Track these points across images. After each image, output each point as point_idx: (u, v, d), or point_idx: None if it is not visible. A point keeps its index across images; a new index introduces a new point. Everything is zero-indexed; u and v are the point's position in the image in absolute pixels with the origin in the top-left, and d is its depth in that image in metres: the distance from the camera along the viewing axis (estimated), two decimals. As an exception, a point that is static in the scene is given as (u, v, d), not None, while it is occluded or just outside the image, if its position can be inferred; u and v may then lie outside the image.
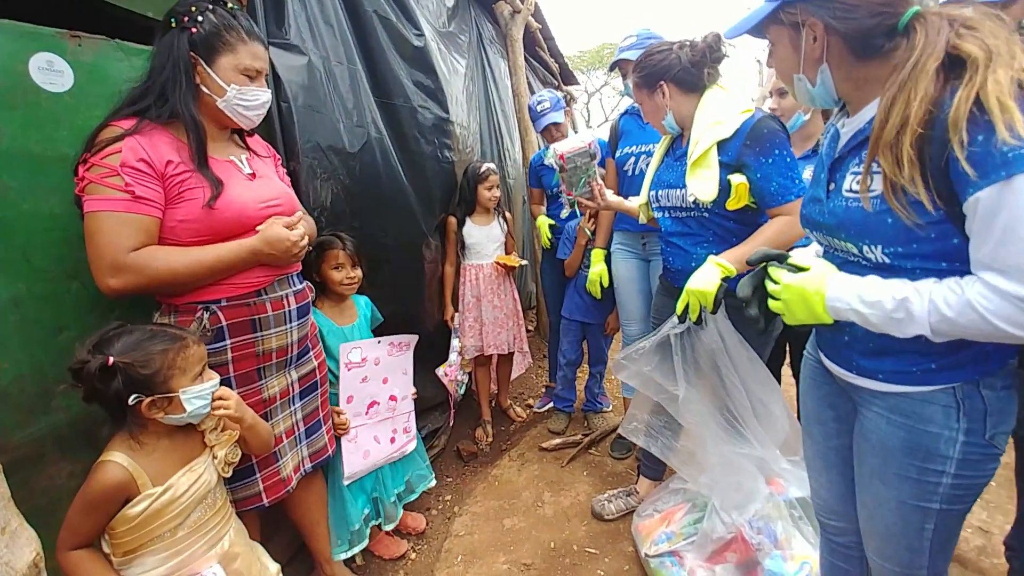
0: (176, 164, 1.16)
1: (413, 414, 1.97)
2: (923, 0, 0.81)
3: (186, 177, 1.17)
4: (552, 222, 2.71)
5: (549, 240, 2.71)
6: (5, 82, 1.09)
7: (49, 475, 1.18)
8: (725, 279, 1.33)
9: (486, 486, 2.31)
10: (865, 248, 0.85)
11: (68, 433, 1.18)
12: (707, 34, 1.44)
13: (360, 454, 1.75)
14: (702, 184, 1.42)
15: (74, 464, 1.20)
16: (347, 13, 1.96)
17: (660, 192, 1.61)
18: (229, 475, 1.19)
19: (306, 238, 1.34)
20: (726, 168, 1.41)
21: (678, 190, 1.52)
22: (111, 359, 0.97)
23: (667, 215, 1.62)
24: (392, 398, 1.87)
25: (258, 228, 1.26)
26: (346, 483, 1.71)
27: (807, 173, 1.69)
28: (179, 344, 1.05)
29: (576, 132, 2.87)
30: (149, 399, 1.01)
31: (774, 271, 0.96)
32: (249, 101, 1.26)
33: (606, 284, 2.35)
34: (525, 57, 3.78)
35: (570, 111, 2.76)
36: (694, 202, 1.46)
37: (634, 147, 2.16)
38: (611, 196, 1.82)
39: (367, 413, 1.79)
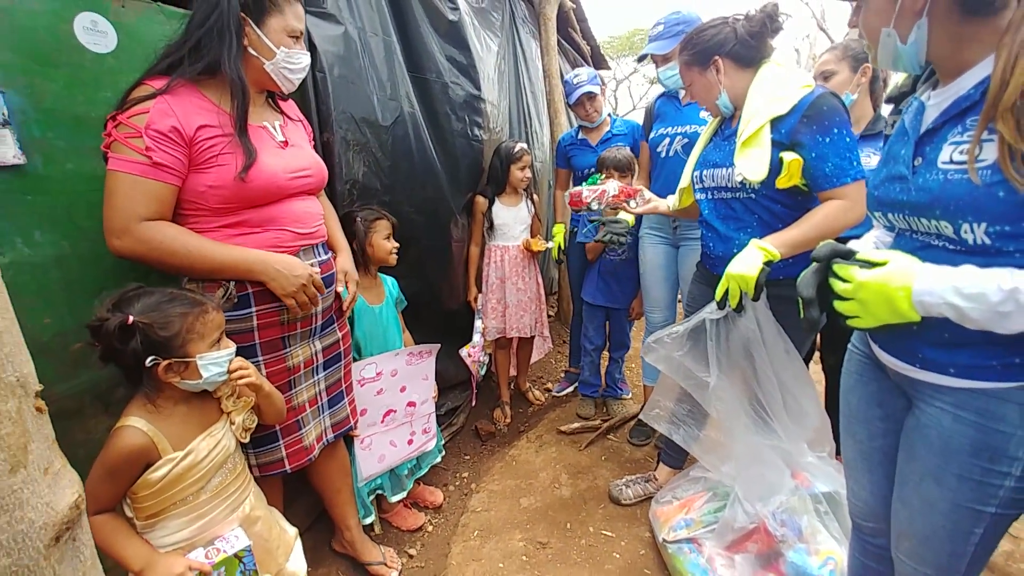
0: (209, 128, 1.15)
1: (434, 415, 1.98)
2: None
3: (219, 142, 1.16)
4: (560, 242, 2.65)
5: (560, 252, 2.67)
6: (50, 41, 1.10)
7: (87, 428, 1.22)
8: (768, 263, 1.27)
9: (503, 465, 2.33)
10: (965, 227, 0.77)
11: (108, 388, 1.21)
12: (766, 4, 1.37)
13: (375, 458, 1.78)
14: (751, 163, 1.35)
15: (112, 419, 1.21)
16: (383, -17, 1.94)
17: (705, 172, 1.55)
18: (247, 440, 1.19)
19: (328, 292, 1.30)
20: (778, 147, 1.34)
21: (724, 169, 1.46)
22: (131, 318, 0.96)
23: (710, 197, 1.55)
24: (411, 404, 1.87)
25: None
26: (361, 484, 1.74)
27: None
28: (199, 309, 1.04)
29: (611, 111, 2.80)
30: (166, 362, 1.00)
31: (843, 269, 0.86)
32: (294, 64, 1.26)
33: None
34: (557, 38, 3.71)
35: (604, 89, 2.69)
36: (741, 182, 1.40)
37: (669, 128, 2.11)
38: (638, 206, 1.80)
39: (382, 422, 1.80)
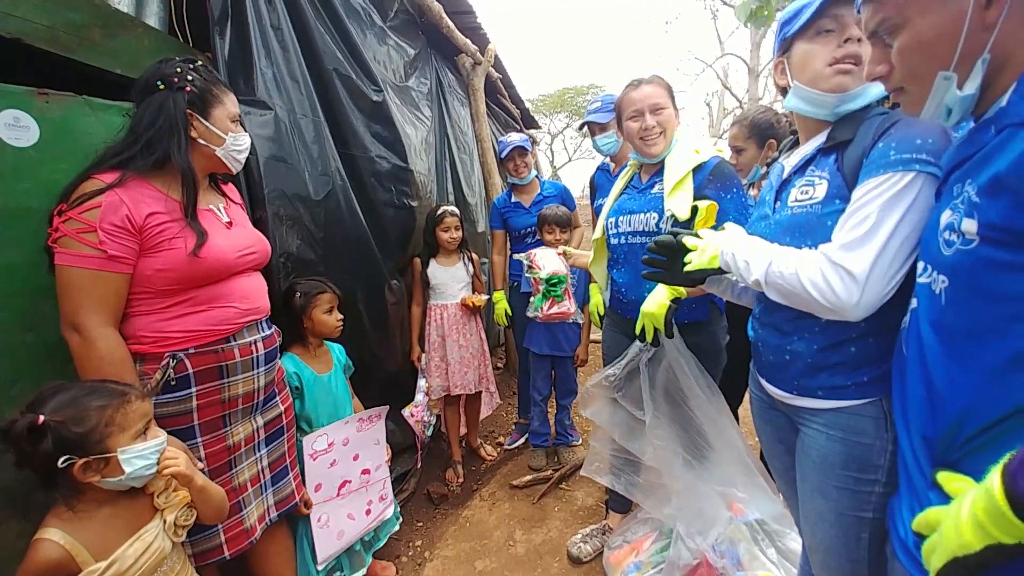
0: (158, 215, 1.18)
1: (389, 480, 1.95)
2: None
3: (167, 227, 1.19)
4: (506, 307, 2.79)
5: (506, 318, 2.81)
6: (-31, 138, 1.11)
7: (-4, 537, 1.13)
8: (675, 300, 1.41)
9: (457, 528, 2.28)
10: (805, 248, 0.98)
11: (21, 490, 1.14)
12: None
13: (334, 535, 1.70)
14: (679, 203, 1.54)
15: (24, 523, 1.15)
16: (310, 70, 2.05)
17: (620, 218, 1.69)
18: (182, 539, 1.12)
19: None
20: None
21: (643, 214, 1.63)
22: (41, 417, 0.89)
23: (625, 241, 1.68)
24: (365, 471, 1.83)
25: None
26: (319, 567, 1.66)
27: None
28: (119, 400, 0.98)
29: (538, 174, 2.99)
30: (82, 461, 0.93)
31: (701, 229, 1.18)
32: (240, 146, 1.35)
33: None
34: (487, 104, 3.96)
35: (534, 152, 2.91)
36: (657, 225, 1.57)
37: (604, 199, 2.31)
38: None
39: (339, 494, 1.74)
